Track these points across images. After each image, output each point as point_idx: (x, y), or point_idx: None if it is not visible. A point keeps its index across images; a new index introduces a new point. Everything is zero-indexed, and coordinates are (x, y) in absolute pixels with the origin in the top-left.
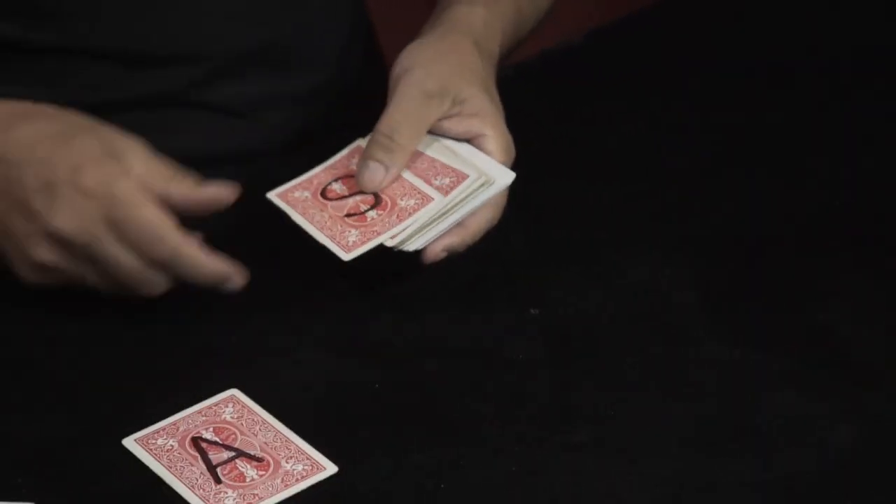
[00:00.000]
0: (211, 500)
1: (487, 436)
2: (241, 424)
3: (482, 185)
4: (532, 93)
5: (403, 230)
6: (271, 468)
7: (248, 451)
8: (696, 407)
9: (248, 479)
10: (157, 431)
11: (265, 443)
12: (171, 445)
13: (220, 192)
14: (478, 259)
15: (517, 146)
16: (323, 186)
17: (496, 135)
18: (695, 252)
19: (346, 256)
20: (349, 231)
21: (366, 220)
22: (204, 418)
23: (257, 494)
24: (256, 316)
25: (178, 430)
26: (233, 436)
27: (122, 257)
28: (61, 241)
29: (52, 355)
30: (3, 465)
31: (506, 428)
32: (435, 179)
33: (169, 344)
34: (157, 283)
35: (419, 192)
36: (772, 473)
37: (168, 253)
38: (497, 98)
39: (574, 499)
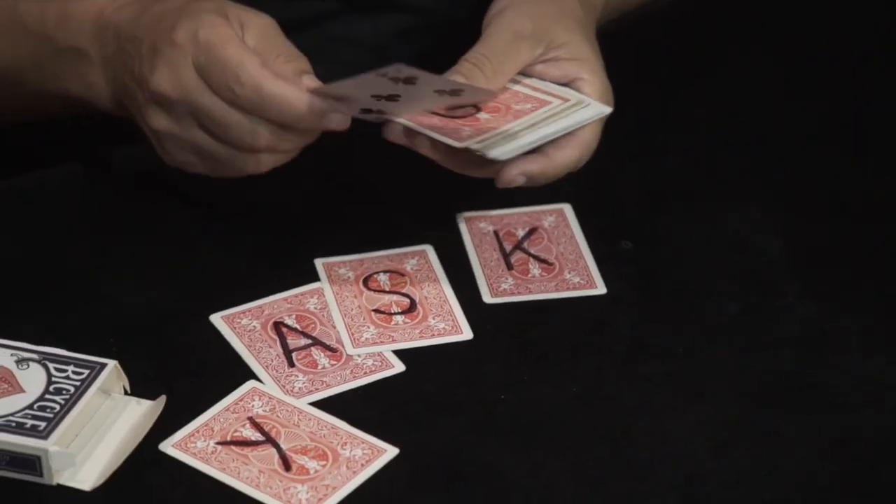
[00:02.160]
0: (282, 381)
1: (557, 357)
2: (323, 315)
3: (572, 105)
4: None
5: (486, 136)
6: (343, 359)
7: (324, 341)
8: (768, 357)
9: (319, 367)
10: (243, 312)
11: (339, 338)
12: (254, 326)
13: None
14: (581, 192)
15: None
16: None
17: (594, 79)
18: (794, 210)
19: (460, 144)
20: (463, 129)
21: (479, 121)
22: (289, 305)
23: (326, 381)
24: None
25: (262, 313)
26: (312, 325)
27: (215, 106)
28: (163, 103)
29: (166, 231)
30: (102, 325)
31: (577, 351)
32: (515, 105)
33: (269, 234)
34: (258, 138)
35: (536, 98)
36: (832, 432)
37: (249, 91)
38: (597, 47)
39: (626, 427)
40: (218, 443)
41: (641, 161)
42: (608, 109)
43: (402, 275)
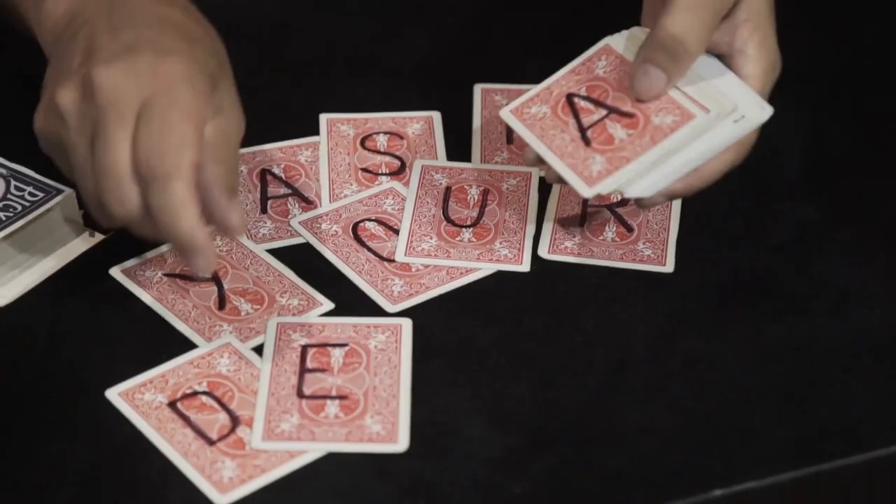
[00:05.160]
0: (250, 225)
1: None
2: (311, 169)
3: (723, 117)
4: None
5: (619, 175)
6: None
7: (303, 192)
8: (744, 257)
9: (289, 216)
10: None
11: (318, 191)
12: (241, 171)
13: (234, 222)
14: None
15: None
16: (564, 97)
17: (759, 55)
18: (821, 113)
19: (588, 192)
20: (593, 157)
21: (613, 143)
22: (282, 155)
23: (290, 231)
24: None
25: (254, 159)
26: (297, 176)
27: (119, 149)
28: (87, 93)
29: None
30: None
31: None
32: (655, 116)
33: (289, 88)
34: (127, 205)
35: (679, 107)
36: (780, 337)
37: (165, 171)
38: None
39: (572, 308)
40: (165, 274)
41: None
42: (766, 114)
43: (402, 138)
